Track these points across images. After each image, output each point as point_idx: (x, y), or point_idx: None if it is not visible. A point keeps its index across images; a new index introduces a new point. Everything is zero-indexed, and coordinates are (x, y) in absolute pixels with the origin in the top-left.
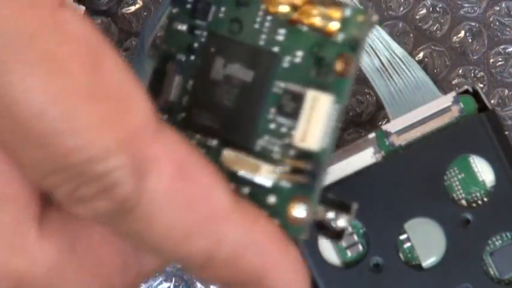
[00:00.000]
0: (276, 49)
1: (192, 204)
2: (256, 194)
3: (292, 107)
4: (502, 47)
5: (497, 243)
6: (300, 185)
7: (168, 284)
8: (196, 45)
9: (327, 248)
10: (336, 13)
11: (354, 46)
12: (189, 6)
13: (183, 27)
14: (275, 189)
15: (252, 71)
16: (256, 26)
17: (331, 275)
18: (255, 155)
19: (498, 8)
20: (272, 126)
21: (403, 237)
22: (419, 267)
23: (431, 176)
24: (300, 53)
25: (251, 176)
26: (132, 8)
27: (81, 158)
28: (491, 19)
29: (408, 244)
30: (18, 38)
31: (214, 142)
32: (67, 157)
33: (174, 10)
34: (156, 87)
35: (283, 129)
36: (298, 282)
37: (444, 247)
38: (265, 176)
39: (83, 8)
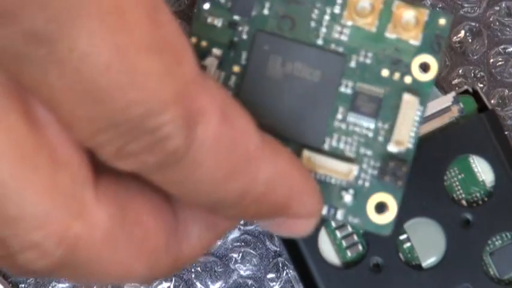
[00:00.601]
0: (340, 49)
1: (233, 147)
2: (331, 193)
3: (371, 107)
4: (502, 47)
5: (497, 243)
6: (383, 184)
7: (168, 284)
8: (236, 39)
9: (327, 248)
10: (416, 14)
11: (435, 48)
12: (223, 1)
13: (218, 22)
14: (353, 188)
15: (318, 70)
16: (313, 24)
17: (331, 275)
18: (325, 154)
19: (498, 8)
20: (342, 125)
21: (403, 237)
22: (419, 267)
23: (431, 176)
24: (369, 54)
25: (328, 176)
26: None
27: (138, 112)
28: (491, 19)
29: (408, 244)
30: None
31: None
32: (124, 111)
33: (206, 6)
34: None
35: (357, 129)
36: (317, 205)
37: (444, 247)
38: (346, 176)
39: None
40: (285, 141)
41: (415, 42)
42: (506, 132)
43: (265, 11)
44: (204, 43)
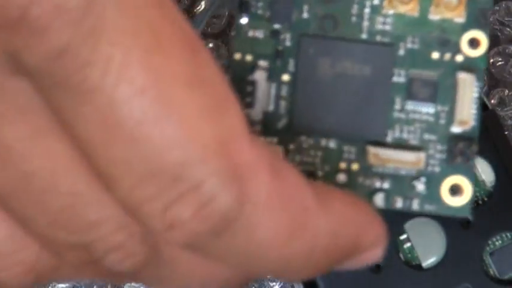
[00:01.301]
0: (386, 39)
1: (289, 203)
2: (403, 185)
3: (428, 92)
4: (502, 47)
5: (497, 243)
6: (453, 166)
7: None
8: (280, 48)
9: None
10: None
11: (481, 22)
12: (260, 11)
13: (260, 34)
14: (424, 175)
15: (368, 65)
16: (354, 19)
17: (331, 275)
18: (390, 147)
19: (498, 8)
20: (402, 115)
21: (403, 237)
22: (419, 267)
23: None
24: (416, 39)
25: (397, 168)
26: None
27: (176, 157)
28: (491, 19)
29: (408, 244)
30: (122, 5)
31: (332, 143)
32: (161, 154)
33: (244, 20)
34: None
35: (417, 116)
36: (382, 231)
37: (444, 247)
38: (416, 164)
39: None
40: (348, 141)
41: (460, 19)
42: (506, 132)
43: (305, 15)
44: (249, 57)
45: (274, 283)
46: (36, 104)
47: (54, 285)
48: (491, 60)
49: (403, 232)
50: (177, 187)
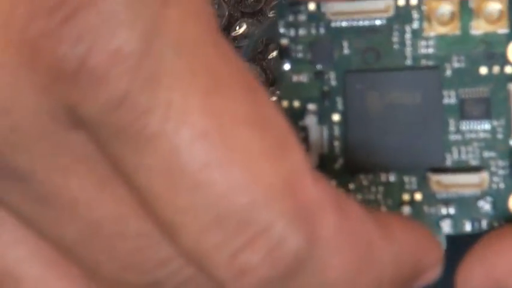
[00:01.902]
0: (431, 62)
1: (354, 240)
2: (469, 207)
3: (481, 109)
4: None
5: None
6: None
7: None
8: (326, 88)
9: None
10: (497, 3)
11: None
12: (301, 55)
13: (304, 78)
14: (489, 194)
15: (417, 92)
16: (396, 47)
17: None
18: (451, 171)
19: None
20: (458, 136)
21: None
22: None
23: None
24: (462, 57)
25: (461, 192)
26: None
27: (242, 200)
28: None
29: None
30: (179, 46)
31: (391, 176)
32: (227, 198)
33: (287, 67)
34: None
35: (473, 135)
36: (440, 250)
37: (444, 247)
38: (480, 186)
39: None
40: (407, 172)
41: (503, 30)
42: None
43: (346, 51)
44: (296, 103)
45: None
46: (97, 154)
47: None
48: None
49: None
50: (245, 232)
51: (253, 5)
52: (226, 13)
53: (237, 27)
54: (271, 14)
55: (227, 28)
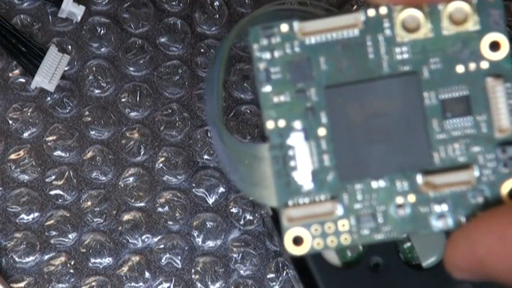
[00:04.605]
0: (408, 67)
1: None
2: (465, 202)
3: (462, 107)
4: None
5: None
6: (507, 171)
7: (168, 284)
8: (309, 105)
9: None
10: (464, 1)
11: (497, 24)
12: (279, 76)
13: (286, 97)
14: (481, 188)
15: (397, 98)
16: (372, 56)
17: (331, 275)
18: (440, 171)
19: None
20: (443, 135)
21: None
22: (419, 267)
23: None
24: (437, 59)
25: (453, 189)
26: (132, 8)
27: None
28: None
29: (408, 244)
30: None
31: (382, 182)
32: None
33: (267, 89)
34: (284, 167)
35: (458, 132)
36: None
37: (444, 247)
38: (469, 182)
39: (83, 8)
40: (397, 176)
41: (474, 27)
42: None
43: (324, 67)
44: (281, 123)
45: (274, 283)
46: None
47: (54, 286)
48: None
49: None
50: None
51: (253, 5)
52: (226, 13)
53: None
54: None
55: (227, 28)
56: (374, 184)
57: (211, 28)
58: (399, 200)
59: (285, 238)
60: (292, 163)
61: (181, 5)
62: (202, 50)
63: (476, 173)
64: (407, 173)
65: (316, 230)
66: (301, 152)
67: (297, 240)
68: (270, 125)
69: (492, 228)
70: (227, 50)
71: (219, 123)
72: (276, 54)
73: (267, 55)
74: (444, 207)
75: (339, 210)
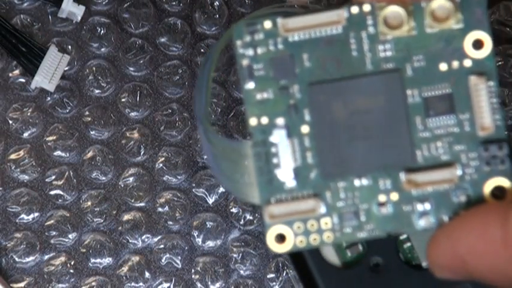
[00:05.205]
0: (391, 65)
1: None
2: (448, 201)
3: (445, 105)
4: (502, 47)
5: None
6: (490, 170)
7: (168, 284)
8: (292, 102)
9: (327, 248)
10: (446, 2)
11: (480, 22)
12: (262, 72)
13: (269, 94)
14: (464, 186)
15: (380, 95)
16: (355, 54)
17: (331, 275)
18: (423, 169)
19: (498, 8)
20: (426, 133)
21: (403, 237)
22: (419, 267)
23: None
24: (421, 56)
25: (436, 187)
26: (132, 8)
27: None
28: (491, 19)
29: (408, 244)
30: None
31: (365, 180)
32: None
33: (251, 85)
34: (266, 164)
35: (441, 131)
36: None
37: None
38: (451, 180)
39: (82, 8)
40: (380, 174)
41: (458, 25)
42: (506, 132)
43: (307, 64)
44: (264, 120)
45: (274, 283)
46: None
47: (54, 285)
48: None
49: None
50: None
51: (253, 5)
52: (226, 13)
53: None
54: None
55: (227, 28)
56: (357, 182)
57: (211, 28)
58: (382, 198)
59: (267, 236)
60: (274, 160)
61: (181, 5)
62: (202, 50)
63: (458, 171)
64: (390, 171)
65: (299, 228)
66: (284, 149)
67: (280, 238)
68: (252, 121)
69: (474, 226)
70: (219, 52)
71: (205, 121)
72: (259, 50)
73: (250, 52)
74: (427, 206)
75: (322, 208)
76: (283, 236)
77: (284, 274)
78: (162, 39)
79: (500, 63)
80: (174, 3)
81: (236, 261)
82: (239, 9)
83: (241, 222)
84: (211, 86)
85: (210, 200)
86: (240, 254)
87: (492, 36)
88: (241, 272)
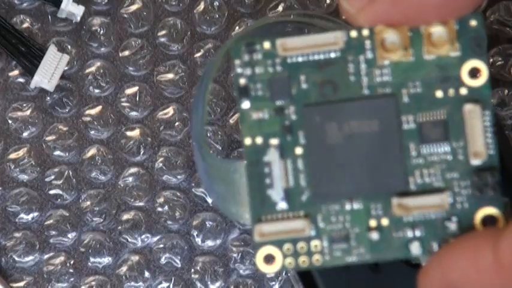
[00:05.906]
0: (388, 90)
1: None
2: (436, 228)
3: (440, 132)
4: (502, 47)
5: None
6: (481, 199)
7: (167, 284)
8: (287, 123)
9: None
10: (446, 26)
11: (477, 51)
12: (260, 92)
13: (264, 114)
14: (454, 214)
15: (375, 119)
16: (352, 78)
17: (331, 275)
18: (414, 194)
19: (498, 8)
20: (420, 160)
21: None
22: (419, 266)
23: None
24: (417, 83)
25: (426, 214)
26: (132, 8)
27: None
28: (491, 19)
29: None
30: None
31: (356, 204)
32: None
33: (246, 105)
34: (259, 184)
35: (434, 158)
36: None
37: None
38: (442, 206)
39: (82, 8)
40: (372, 199)
41: (455, 53)
42: (506, 132)
43: (304, 85)
44: (258, 140)
45: (274, 283)
46: None
47: (54, 285)
48: (491, 60)
49: None
50: None
51: (253, 5)
52: (226, 13)
53: (237, 28)
54: (271, 14)
55: (227, 27)
56: (348, 206)
57: (211, 28)
58: (373, 223)
59: (256, 256)
60: (267, 180)
61: (181, 5)
62: (202, 50)
63: (449, 198)
64: (382, 196)
65: (288, 250)
66: (277, 170)
67: (269, 259)
68: (247, 141)
69: (464, 251)
70: (214, 71)
71: (201, 141)
72: (257, 70)
73: (248, 71)
74: (417, 233)
75: (312, 230)
76: (273, 257)
77: (284, 274)
78: (162, 39)
79: (500, 63)
80: (174, 3)
81: (236, 261)
82: (239, 9)
83: (241, 222)
84: (207, 106)
85: (210, 200)
86: (240, 254)
87: (489, 65)
88: (241, 271)
